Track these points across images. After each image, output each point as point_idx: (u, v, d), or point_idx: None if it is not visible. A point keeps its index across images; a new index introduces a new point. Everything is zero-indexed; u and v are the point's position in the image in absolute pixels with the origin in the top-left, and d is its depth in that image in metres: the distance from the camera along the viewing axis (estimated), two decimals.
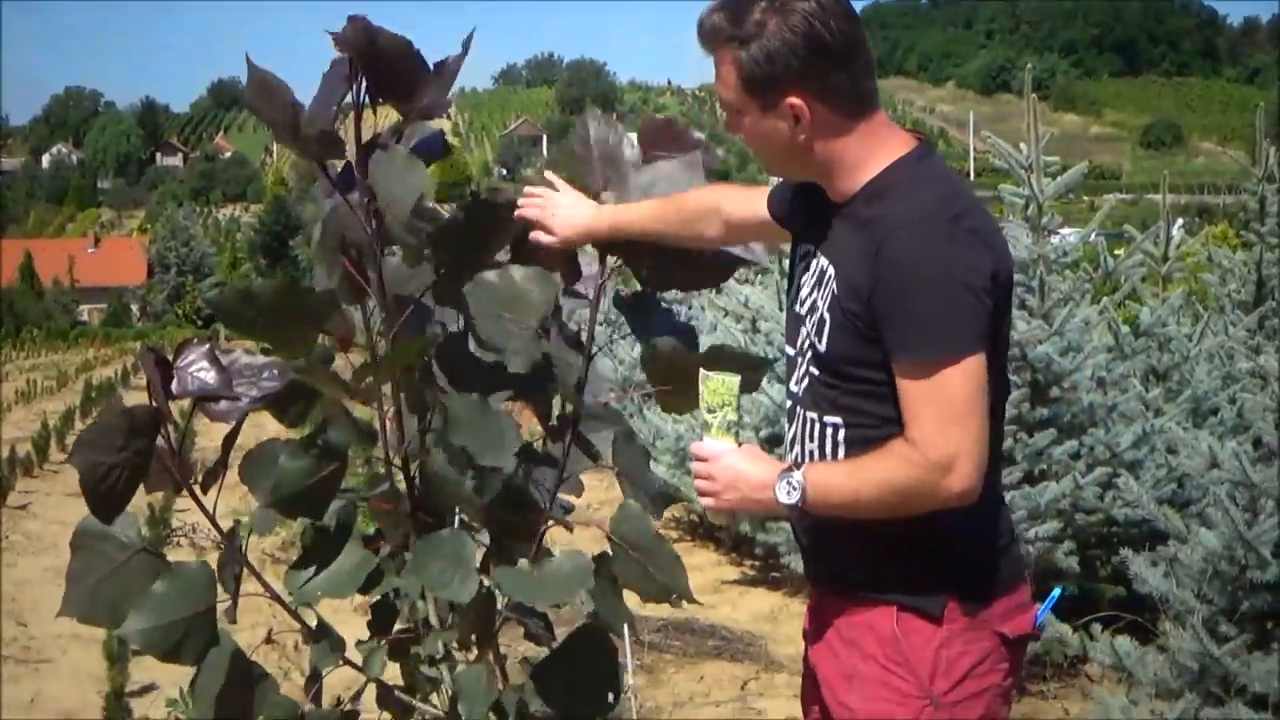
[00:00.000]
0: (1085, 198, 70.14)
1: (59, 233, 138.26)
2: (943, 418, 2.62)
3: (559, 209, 3.23)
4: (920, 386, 2.63)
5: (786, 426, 2.97)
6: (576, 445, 3.26)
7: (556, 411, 3.36)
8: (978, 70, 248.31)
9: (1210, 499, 5.28)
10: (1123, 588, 6.32)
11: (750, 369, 3.08)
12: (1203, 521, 5.31)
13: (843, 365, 2.77)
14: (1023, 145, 7.38)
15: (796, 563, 7.13)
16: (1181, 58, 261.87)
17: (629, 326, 3.32)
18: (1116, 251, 9.08)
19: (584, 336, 3.32)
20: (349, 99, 3.10)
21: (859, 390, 2.77)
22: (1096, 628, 5.48)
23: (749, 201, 3.17)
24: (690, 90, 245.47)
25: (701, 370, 2.91)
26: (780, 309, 9.45)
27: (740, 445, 2.84)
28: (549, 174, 3.35)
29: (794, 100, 2.73)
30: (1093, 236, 8.69)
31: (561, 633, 3.44)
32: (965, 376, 2.62)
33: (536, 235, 3.24)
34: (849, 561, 2.86)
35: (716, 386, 2.86)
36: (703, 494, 2.83)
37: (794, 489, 2.71)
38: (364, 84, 3.08)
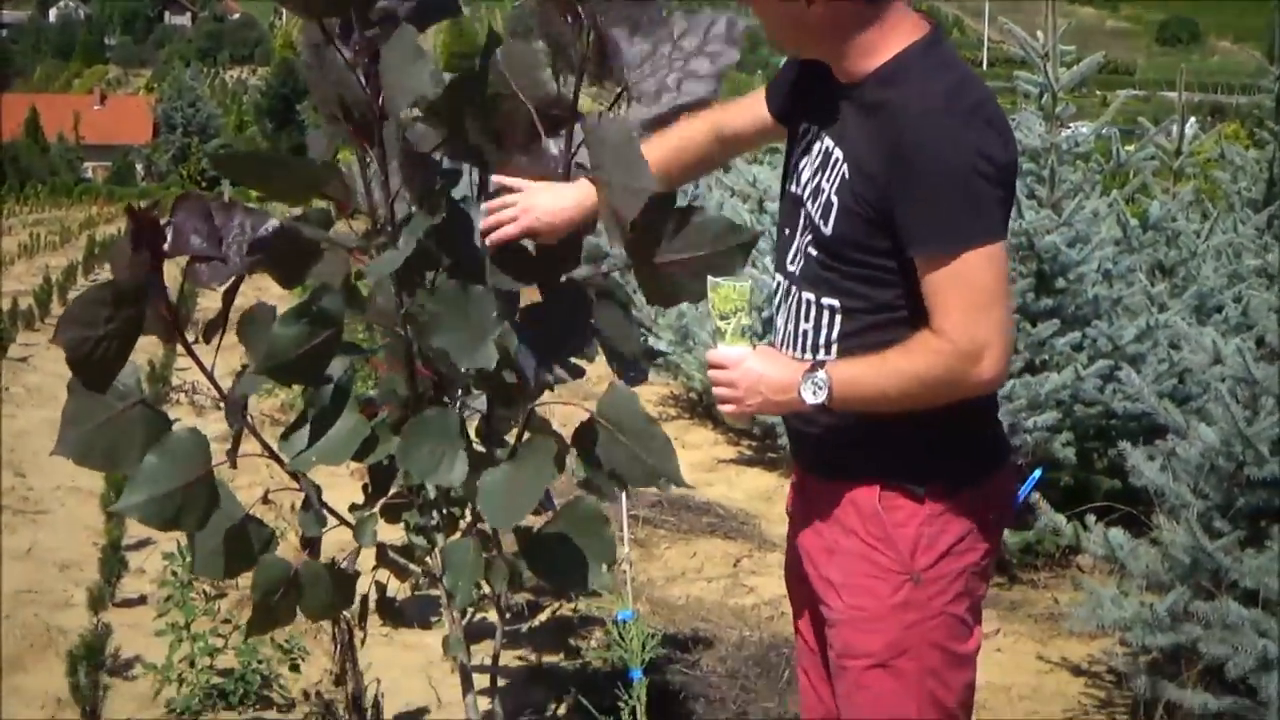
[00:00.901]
0: (1099, 92, 69.46)
1: (65, 88, 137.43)
2: (970, 307, 2.60)
3: (537, 204, 3.01)
4: (945, 277, 2.60)
5: (777, 305, 2.94)
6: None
7: None
8: None
9: (1211, 395, 5.26)
10: (1118, 480, 6.33)
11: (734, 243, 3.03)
12: (1202, 417, 5.30)
13: (845, 249, 2.73)
14: (1039, 34, 7.30)
15: None
16: None
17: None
18: (1129, 147, 9.01)
19: None
20: None
21: (858, 274, 2.74)
22: (1090, 519, 5.48)
23: (745, 112, 3.10)
24: None
25: (710, 278, 2.87)
26: None
27: (755, 348, 2.81)
28: (498, 178, 3.11)
29: None
30: (1105, 130, 8.62)
31: (558, 502, 3.44)
32: (990, 264, 2.60)
33: (522, 228, 3.02)
34: (847, 449, 2.84)
35: (728, 293, 2.81)
36: (724, 401, 2.79)
37: (820, 388, 2.68)
38: None
